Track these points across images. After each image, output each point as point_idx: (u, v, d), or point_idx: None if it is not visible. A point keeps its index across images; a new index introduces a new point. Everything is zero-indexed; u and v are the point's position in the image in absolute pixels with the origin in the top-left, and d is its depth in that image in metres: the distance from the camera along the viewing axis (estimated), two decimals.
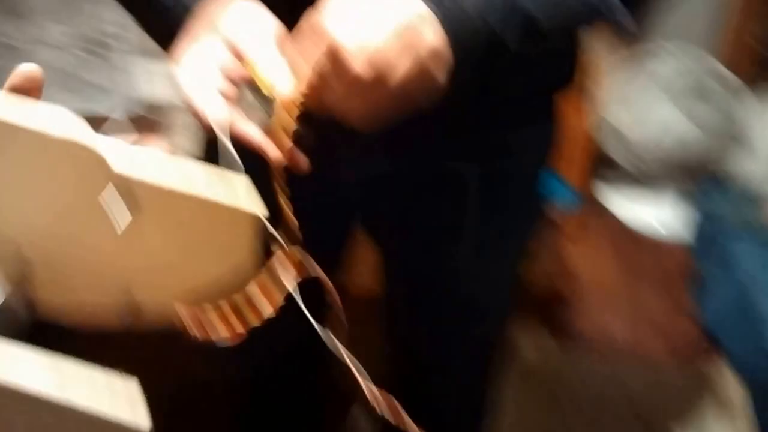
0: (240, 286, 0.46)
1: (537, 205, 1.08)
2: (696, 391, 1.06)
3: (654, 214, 2.31)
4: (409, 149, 0.90)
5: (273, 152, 0.61)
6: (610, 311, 1.85)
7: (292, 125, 0.59)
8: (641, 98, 2.19)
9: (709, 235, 1.76)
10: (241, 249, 0.45)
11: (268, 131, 0.62)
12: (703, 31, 2.28)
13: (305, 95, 0.59)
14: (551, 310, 1.60)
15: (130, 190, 0.42)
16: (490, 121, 0.90)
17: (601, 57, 2.22)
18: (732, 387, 1.01)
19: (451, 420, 1.16)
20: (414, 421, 0.86)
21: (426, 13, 0.62)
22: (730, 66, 2.15)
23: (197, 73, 0.65)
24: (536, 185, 1.04)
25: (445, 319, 1.09)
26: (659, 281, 2.04)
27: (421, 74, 0.61)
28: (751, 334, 1.51)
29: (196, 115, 0.65)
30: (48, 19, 2.14)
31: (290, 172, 0.61)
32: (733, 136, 2.18)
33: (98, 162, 0.42)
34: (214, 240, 0.45)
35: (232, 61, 0.64)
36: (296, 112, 0.58)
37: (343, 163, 0.89)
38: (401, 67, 0.60)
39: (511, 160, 0.95)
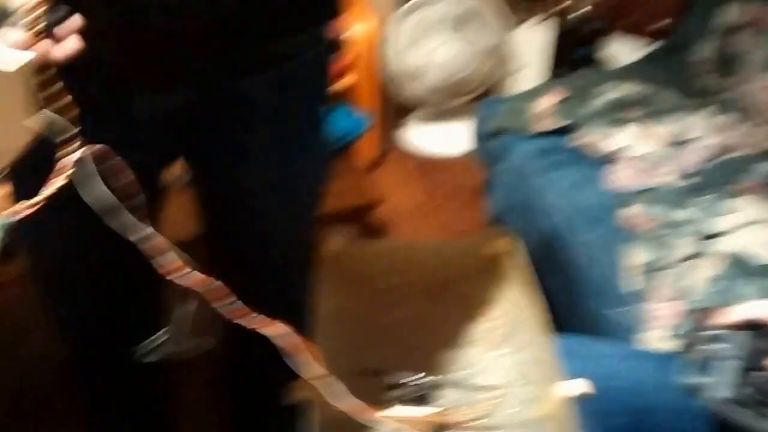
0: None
1: (321, 119, 1.14)
2: (493, 264, 1.23)
3: (447, 137, 2.57)
4: (197, 74, 0.95)
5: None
6: (414, 225, 2.05)
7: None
8: (422, 36, 2.41)
9: (491, 144, 1.98)
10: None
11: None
12: None
13: None
14: (360, 222, 1.76)
15: None
16: (261, 29, 0.95)
17: (387, 9, 2.42)
18: (519, 259, 1.20)
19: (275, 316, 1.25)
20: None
21: None
22: None
23: None
24: (320, 97, 1.12)
25: (254, 238, 1.14)
26: (457, 194, 2.28)
27: None
28: (527, 213, 1.76)
29: None
30: None
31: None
32: (503, 54, 2.45)
33: None
34: None
35: None
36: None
37: (138, 102, 0.93)
38: None
39: (289, 67, 1.01)
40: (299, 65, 1.03)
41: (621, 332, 1.38)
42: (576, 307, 1.50)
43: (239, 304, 0.65)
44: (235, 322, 0.65)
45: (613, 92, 1.91)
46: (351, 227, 1.30)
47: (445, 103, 2.51)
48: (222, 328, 1.14)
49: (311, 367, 0.69)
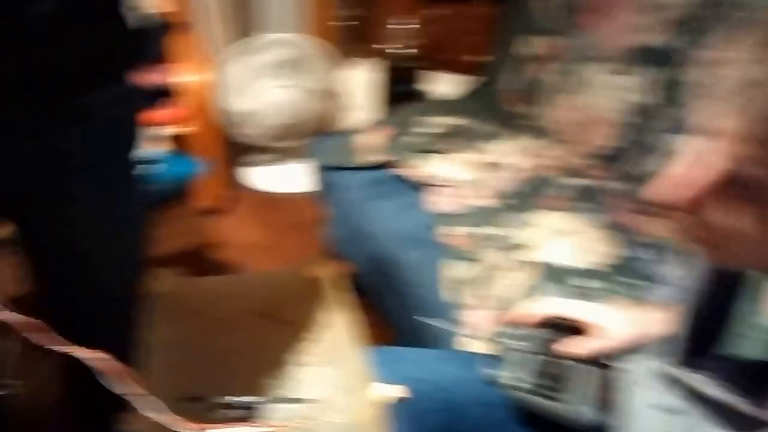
0: None
1: (134, 166, 1.20)
2: (309, 289, 1.32)
3: (287, 176, 2.67)
4: (8, 129, 0.98)
5: None
6: (258, 262, 2.12)
7: None
8: (255, 81, 2.51)
9: (325, 178, 2.09)
10: None
11: None
12: (293, 20, 2.67)
13: None
14: (198, 262, 1.82)
15: None
16: (67, 84, 1.00)
17: (216, 52, 2.50)
18: (342, 283, 1.29)
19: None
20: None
21: None
22: (319, 40, 2.54)
23: None
24: (131, 146, 1.17)
25: (80, 285, 1.18)
26: (298, 229, 2.37)
27: None
28: (360, 240, 1.87)
29: None
30: None
31: None
32: (334, 95, 2.59)
33: None
34: None
35: None
36: None
37: None
38: None
39: (98, 119, 1.06)
40: (108, 117, 1.09)
41: (445, 341, 1.50)
42: (409, 321, 1.62)
43: (58, 337, 0.69)
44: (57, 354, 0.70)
45: (434, 125, 2.08)
46: (184, 267, 1.36)
47: (283, 143, 2.62)
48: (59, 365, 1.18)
49: (131, 388, 0.75)
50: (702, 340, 0.88)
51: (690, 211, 0.70)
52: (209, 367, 1.20)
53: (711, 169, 0.67)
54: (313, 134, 2.55)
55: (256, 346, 1.25)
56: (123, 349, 1.26)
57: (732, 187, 0.66)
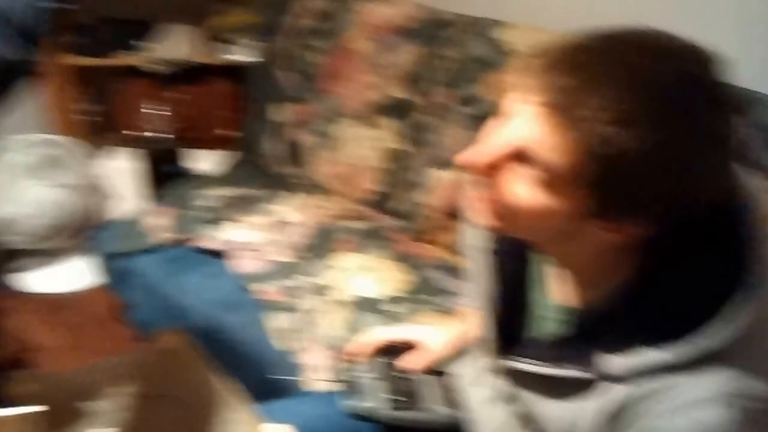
0: None
1: None
2: (173, 363, 1.40)
3: (68, 274, 2.62)
4: None
5: None
6: (65, 361, 2.09)
7: None
8: (10, 185, 2.46)
9: (117, 267, 2.13)
10: None
11: None
12: (36, 119, 2.65)
13: None
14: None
15: None
16: None
17: None
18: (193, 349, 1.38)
19: None
20: None
21: None
22: (69, 137, 2.55)
23: None
24: None
25: None
26: (96, 322, 2.36)
27: None
28: (171, 319, 1.94)
29: None
30: None
31: None
32: (94, 187, 2.61)
33: None
34: None
35: None
36: None
37: None
38: None
39: None
40: None
41: (291, 387, 1.65)
42: (246, 381, 1.73)
43: None
44: None
45: (209, 198, 2.21)
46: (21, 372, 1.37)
47: (53, 242, 2.57)
48: None
49: None
50: (510, 330, 1.04)
51: (486, 174, 0.85)
52: None
53: (505, 143, 0.83)
54: (82, 229, 2.55)
55: (137, 428, 1.30)
56: None
57: (520, 162, 0.82)
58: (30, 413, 0.99)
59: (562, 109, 0.76)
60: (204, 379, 1.32)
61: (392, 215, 2.09)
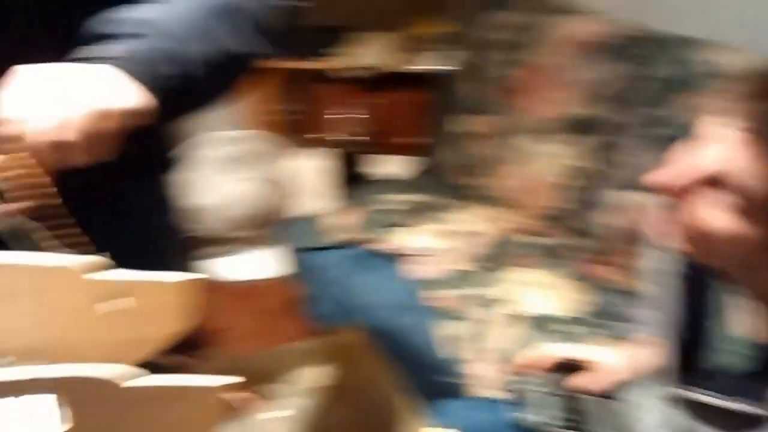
0: None
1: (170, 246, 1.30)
2: (346, 353, 1.47)
3: (256, 263, 2.80)
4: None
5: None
6: (251, 345, 2.24)
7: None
8: (208, 177, 2.66)
9: (301, 261, 2.25)
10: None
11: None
12: (239, 116, 2.85)
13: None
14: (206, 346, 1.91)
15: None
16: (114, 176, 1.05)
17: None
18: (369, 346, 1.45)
19: None
20: None
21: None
22: (265, 134, 2.72)
23: None
24: (168, 226, 1.28)
25: None
26: (281, 312, 2.50)
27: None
28: (349, 315, 2.02)
29: None
30: None
31: None
32: (285, 184, 2.77)
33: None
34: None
35: None
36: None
37: None
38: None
39: (136, 208, 1.16)
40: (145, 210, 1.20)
41: (457, 392, 1.68)
42: (419, 384, 1.77)
43: None
44: None
45: (393, 203, 2.28)
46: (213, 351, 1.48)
47: (246, 233, 2.76)
48: None
49: None
50: (689, 360, 1.01)
51: (678, 197, 0.83)
52: None
53: (703, 167, 0.81)
54: (272, 222, 2.71)
55: (316, 413, 1.38)
56: None
57: (717, 187, 0.80)
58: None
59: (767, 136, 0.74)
60: (377, 376, 1.37)
61: (572, 233, 2.06)
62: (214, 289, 2.57)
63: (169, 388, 0.49)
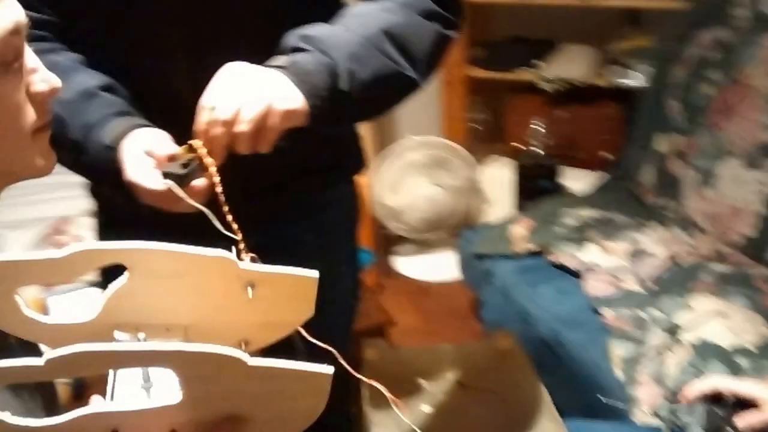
0: None
1: (354, 248, 1.41)
2: (500, 361, 1.51)
3: (434, 264, 2.89)
4: (255, 221, 1.11)
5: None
6: (418, 343, 2.32)
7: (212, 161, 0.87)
8: (402, 180, 2.77)
9: (478, 267, 2.29)
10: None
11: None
12: (431, 122, 2.94)
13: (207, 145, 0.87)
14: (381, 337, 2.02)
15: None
16: (306, 184, 1.20)
17: (370, 158, 2.78)
18: (522, 354, 1.47)
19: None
20: None
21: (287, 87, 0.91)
22: (456, 142, 2.79)
23: (138, 166, 0.91)
24: (353, 231, 1.38)
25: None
26: (451, 314, 2.57)
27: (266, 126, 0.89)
28: (518, 324, 2.03)
29: (140, 189, 0.90)
30: None
31: None
32: (472, 191, 2.82)
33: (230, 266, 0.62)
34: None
35: (155, 150, 0.90)
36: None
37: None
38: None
39: (329, 213, 1.27)
40: (338, 211, 1.31)
41: (613, 415, 1.65)
42: (574, 397, 1.76)
43: None
44: None
45: (574, 217, 2.26)
46: (377, 340, 1.57)
47: (429, 235, 2.85)
48: None
49: None
50: None
51: None
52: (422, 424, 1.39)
53: None
54: (457, 227, 2.78)
55: (457, 412, 1.43)
56: (339, 402, 1.44)
57: None
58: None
59: None
60: (528, 384, 1.39)
61: (765, 264, 1.95)
62: (392, 285, 2.69)
63: (287, 369, 0.53)
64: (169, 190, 0.86)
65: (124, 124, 0.97)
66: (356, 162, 1.33)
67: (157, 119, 0.98)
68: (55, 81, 0.74)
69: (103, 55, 1.04)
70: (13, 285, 0.58)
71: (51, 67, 0.95)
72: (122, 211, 1.03)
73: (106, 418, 0.52)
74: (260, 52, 0.95)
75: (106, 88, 1.02)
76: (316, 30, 0.97)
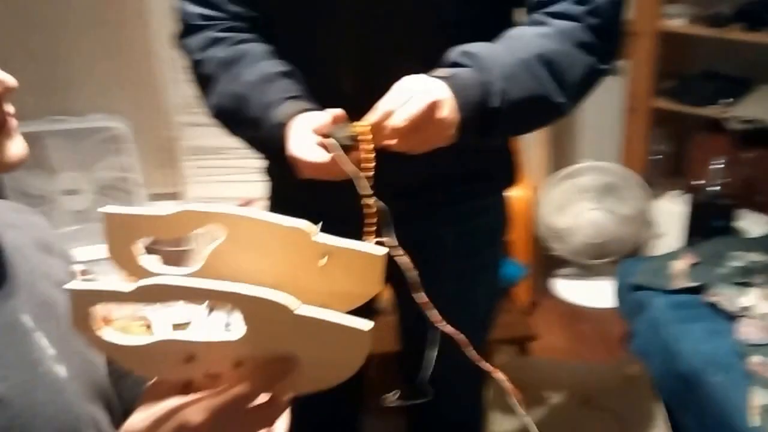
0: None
1: (497, 258, 1.47)
2: (626, 385, 1.54)
3: (591, 291, 2.89)
4: (409, 220, 1.18)
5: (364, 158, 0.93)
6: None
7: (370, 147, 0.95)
8: (571, 203, 2.80)
9: (633, 297, 2.28)
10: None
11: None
12: (610, 148, 2.94)
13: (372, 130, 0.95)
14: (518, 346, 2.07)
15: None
16: (460, 192, 1.28)
17: (541, 178, 2.84)
18: (647, 382, 1.49)
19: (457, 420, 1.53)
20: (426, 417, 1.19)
21: (448, 95, 0.98)
22: (630, 170, 2.77)
23: (301, 142, 0.99)
24: (496, 241, 1.44)
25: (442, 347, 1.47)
26: (600, 342, 2.57)
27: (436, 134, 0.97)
28: (664, 358, 2.02)
29: (300, 162, 0.99)
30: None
31: None
32: (642, 222, 2.79)
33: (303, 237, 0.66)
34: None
35: (319, 125, 0.99)
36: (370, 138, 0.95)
37: None
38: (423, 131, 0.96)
39: (478, 221, 1.34)
40: (486, 220, 1.38)
41: None
42: None
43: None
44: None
45: (741, 259, 2.20)
46: (513, 349, 1.63)
47: (592, 261, 2.86)
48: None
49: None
50: None
51: None
52: None
53: None
54: (620, 255, 2.77)
55: (574, 427, 1.48)
56: (471, 408, 1.49)
57: None
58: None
59: None
60: (649, 411, 1.41)
61: None
62: (546, 305, 2.73)
63: (330, 322, 0.60)
64: (327, 162, 0.96)
65: (295, 106, 1.07)
66: (507, 176, 1.39)
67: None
68: (9, 80, 0.69)
69: (285, 52, 1.17)
70: (129, 236, 0.68)
71: (242, 53, 1.15)
72: (292, 192, 1.15)
73: (184, 345, 0.62)
74: (424, 64, 1.03)
75: (286, 75, 1.14)
76: (477, 48, 1.05)
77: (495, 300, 1.55)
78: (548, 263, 3.01)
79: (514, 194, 2.59)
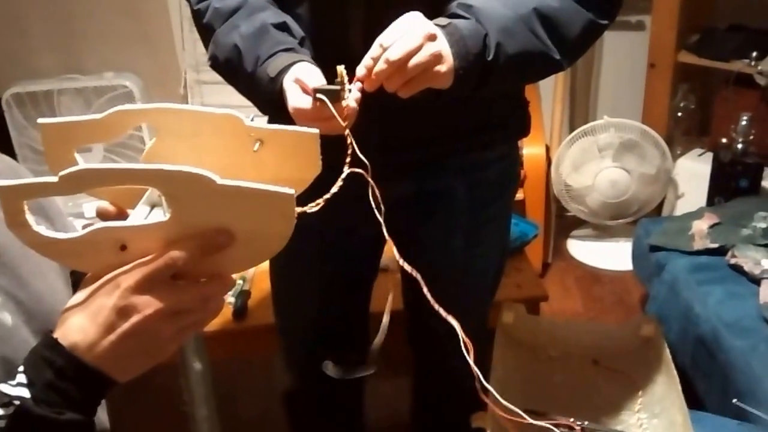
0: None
1: (506, 211, 1.44)
2: (639, 347, 1.47)
3: (607, 253, 2.80)
4: (417, 171, 1.25)
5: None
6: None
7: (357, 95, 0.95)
8: (589, 161, 2.70)
9: (652, 259, 2.20)
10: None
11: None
12: (631, 105, 2.84)
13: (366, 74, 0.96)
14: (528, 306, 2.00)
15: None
16: (469, 142, 1.25)
17: (558, 135, 2.75)
18: (663, 344, 1.42)
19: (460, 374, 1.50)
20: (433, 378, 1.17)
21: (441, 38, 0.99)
22: (651, 127, 2.67)
23: (296, 94, 1.00)
24: (507, 194, 1.40)
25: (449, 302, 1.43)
26: (615, 306, 2.50)
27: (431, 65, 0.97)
28: (681, 322, 1.94)
29: (297, 112, 0.99)
30: None
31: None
32: (660, 181, 2.69)
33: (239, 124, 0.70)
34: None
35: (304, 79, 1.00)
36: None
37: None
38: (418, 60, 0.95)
39: (486, 172, 1.31)
40: (495, 171, 1.33)
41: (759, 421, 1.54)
42: (726, 404, 1.67)
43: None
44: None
45: (766, 220, 2.11)
46: (517, 305, 1.57)
47: (607, 221, 2.77)
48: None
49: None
50: None
51: None
52: (543, 397, 1.39)
53: None
54: (639, 216, 2.67)
55: (587, 387, 1.41)
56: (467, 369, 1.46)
57: None
58: None
59: None
60: (664, 373, 1.34)
61: None
62: (561, 266, 2.65)
63: (253, 188, 0.61)
64: (320, 110, 0.96)
65: (286, 59, 1.06)
66: (519, 127, 1.35)
67: (329, 65, 1.04)
68: None
69: (293, 14, 1.16)
70: (69, 144, 0.70)
71: (242, 2, 1.12)
72: None
73: (114, 231, 0.63)
74: (427, 15, 1.02)
75: (280, 26, 1.12)
76: (477, 1, 1.06)
77: (504, 255, 1.51)
78: (564, 224, 2.92)
79: (529, 151, 2.54)
